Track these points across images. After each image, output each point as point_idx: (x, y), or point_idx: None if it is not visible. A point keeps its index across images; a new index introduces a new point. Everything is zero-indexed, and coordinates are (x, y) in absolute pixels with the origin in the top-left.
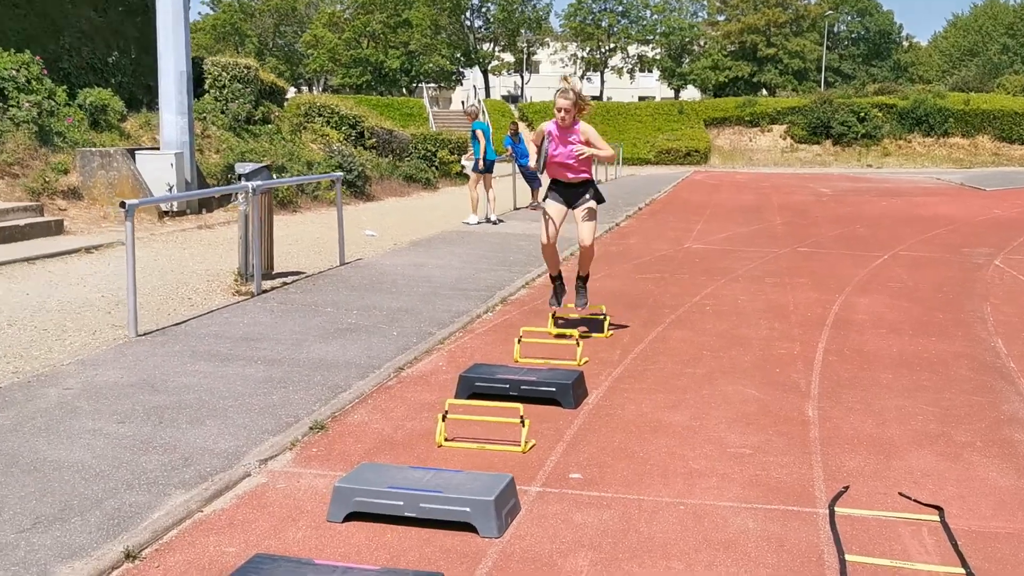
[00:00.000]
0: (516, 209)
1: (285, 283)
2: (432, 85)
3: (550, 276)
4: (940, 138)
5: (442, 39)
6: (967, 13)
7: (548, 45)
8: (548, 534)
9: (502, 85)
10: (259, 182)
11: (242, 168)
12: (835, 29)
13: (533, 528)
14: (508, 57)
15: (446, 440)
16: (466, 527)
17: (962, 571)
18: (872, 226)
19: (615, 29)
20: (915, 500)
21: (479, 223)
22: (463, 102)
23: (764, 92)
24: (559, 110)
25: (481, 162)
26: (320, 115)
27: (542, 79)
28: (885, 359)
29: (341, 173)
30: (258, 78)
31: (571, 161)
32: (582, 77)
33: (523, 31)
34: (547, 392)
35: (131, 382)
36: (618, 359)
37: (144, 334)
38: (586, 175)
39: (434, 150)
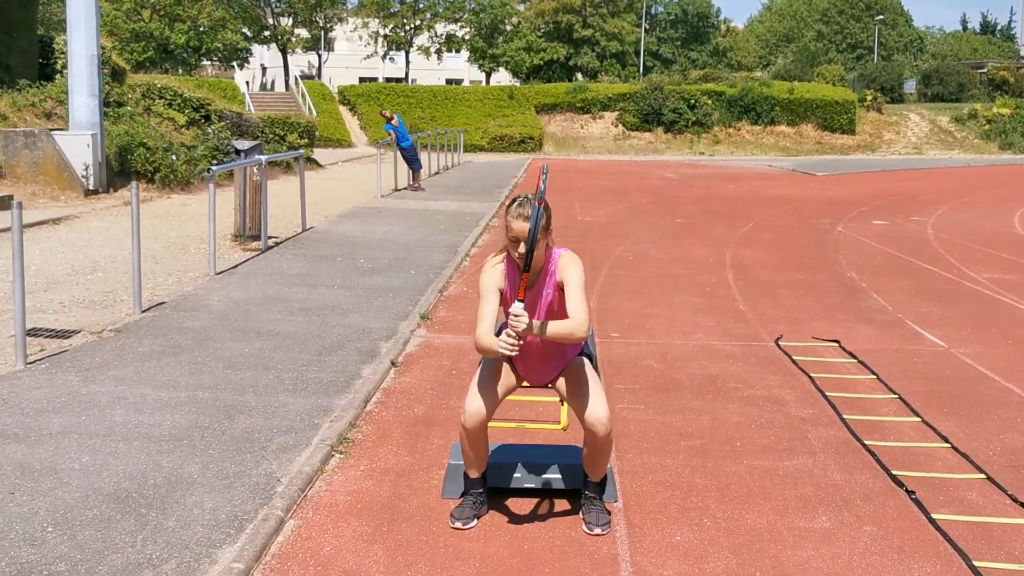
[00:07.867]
0: (397, 190)
1: (277, 243)
2: (218, 64)
3: (466, 476)
4: (767, 126)
5: (231, 12)
6: None
7: (347, 21)
8: (622, 353)
9: (295, 64)
10: (264, 156)
11: (241, 145)
12: (652, 11)
13: (611, 352)
14: (304, 33)
15: None
16: None
17: (857, 361)
18: (728, 204)
19: (421, 5)
20: (822, 338)
21: None
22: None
23: (580, 76)
24: (518, 240)
25: None
26: (161, 97)
27: (338, 58)
28: (777, 284)
29: (302, 151)
30: (111, 59)
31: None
32: (384, 57)
33: (321, 5)
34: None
35: (260, 298)
36: (590, 286)
37: (219, 273)
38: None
39: (283, 134)
